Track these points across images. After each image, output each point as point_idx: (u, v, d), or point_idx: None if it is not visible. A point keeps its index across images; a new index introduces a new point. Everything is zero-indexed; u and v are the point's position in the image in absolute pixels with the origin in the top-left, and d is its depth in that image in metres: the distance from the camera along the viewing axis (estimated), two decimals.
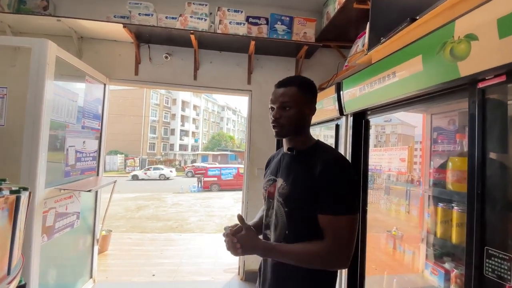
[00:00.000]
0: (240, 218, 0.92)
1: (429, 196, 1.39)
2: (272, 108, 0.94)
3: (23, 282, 0.81)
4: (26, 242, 1.64)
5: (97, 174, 2.60)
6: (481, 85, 0.80)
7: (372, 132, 1.93)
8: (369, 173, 1.63)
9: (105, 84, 2.67)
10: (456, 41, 0.81)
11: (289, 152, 0.97)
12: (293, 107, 0.90)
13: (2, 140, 1.72)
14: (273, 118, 0.93)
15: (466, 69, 0.79)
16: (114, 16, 2.55)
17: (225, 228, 0.93)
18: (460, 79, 0.82)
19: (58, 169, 1.99)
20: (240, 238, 0.86)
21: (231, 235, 0.88)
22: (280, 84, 0.94)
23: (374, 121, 1.74)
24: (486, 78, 0.78)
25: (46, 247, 1.85)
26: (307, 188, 0.86)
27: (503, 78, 0.75)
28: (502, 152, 0.77)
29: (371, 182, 1.67)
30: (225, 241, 0.89)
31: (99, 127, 2.61)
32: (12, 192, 0.68)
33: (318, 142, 0.97)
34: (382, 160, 1.64)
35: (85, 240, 2.49)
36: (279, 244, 0.88)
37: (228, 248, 0.88)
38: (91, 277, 2.59)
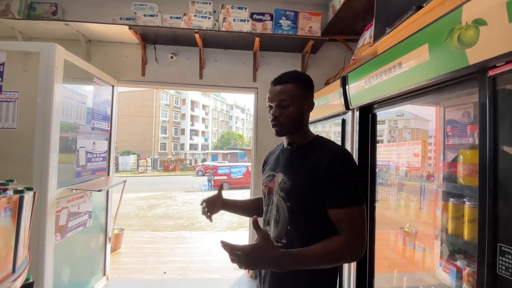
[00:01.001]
0: (255, 223, 0.77)
1: (442, 191, 1.34)
2: (270, 107, 0.93)
3: (31, 280, 0.82)
4: (40, 241, 1.70)
5: (108, 174, 2.66)
6: (491, 73, 0.75)
7: (385, 127, 1.88)
8: (383, 169, 1.59)
9: (113, 86, 2.72)
10: (464, 27, 0.76)
11: (289, 147, 0.97)
12: (291, 104, 0.89)
13: (15, 143, 1.78)
14: (272, 117, 0.91)
15: (475, 56, 0.75)
16: (120, 18, 2.59)
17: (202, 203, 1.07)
18: (469, 67, 0.78)
19: (69, 170, 2.05)
20: (256, 248, 0.73)
21: (231, 249, 0.74)
22: (276, 82, 0.92)
23: (387, 115, 1.69)
24: (497, 65, 0.74)
25: (60, 245, 1.90)
26: (311, 182, 0.85)
27: None
28: None
29: (385, 178, 1.62)
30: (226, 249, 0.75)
31: (109, 128, 2.67)
32: (16, 192, 0.69)
33: (318, 137, 0.97)
34: (394, 155, 1.59)
35: (97, 238, 2.56)
36: (296, 252, 0.77)
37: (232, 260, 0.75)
38: (104, 274, 2.66)
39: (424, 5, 1.05)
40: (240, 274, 3.00)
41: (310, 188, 0.85)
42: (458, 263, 1.06)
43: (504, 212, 0.73)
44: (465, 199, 1.04)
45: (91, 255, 2.47)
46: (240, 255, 0.73)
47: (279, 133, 0.93)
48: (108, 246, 2.72)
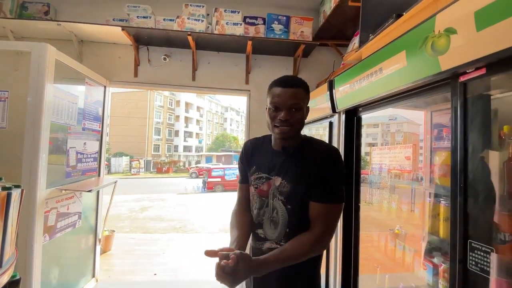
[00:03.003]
0: (221, 256, 0.81)
1: (429, 193, 1.39)
2: (276, 108, 0.91)
3: (18, 277, 0.83)
4: (28, 241, 1.68)
5: (98, 175, 2.65)
6: (462, 78, 0.80)
7: (378, 130, 1.93)
8: (376, 172, 1.62)
9: (105, 86, 2.72)
10: (437, 35, 0.81)
11: (282, 151, 0.97)
12: (301, 109, 0.92)
13: (4, 142, 1.76)
14: (281, 119, 0.89)
15: (446, 63, 0.80)
16: (113, 20, 2.60)
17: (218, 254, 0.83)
18: (441, 73, 0.83)
19: (59, 170, 2.04)
20: (236, 271, 0.77)
21: (222, 267, 0.77)
22: (287, 84, 0.91)
23: (380, 119, 1.73)
24: (467, 71, 0.79)
25: (48, 246, 1.89)
26: (308, 184, 0.89)
27: (483, 71, 0.75)
28: (483, 146, 0.78)
29: (378, 181, 1.65)
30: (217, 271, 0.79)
31: (100, 129, 2.66)
32: (4, 189, 0.71)
33: (307, 137, 1.00)
34: (386, 158, 1.62)
35: (87, 239, 2.54)
36: (269, 257, 0.84)
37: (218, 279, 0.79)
38: (93, 276, 2.63)
39: (403, 13, 1.10)
40: None
41: (308, 191, 0.89)
42: (435, 260, 1.10)
43: (474, 210, 0.78)
44: (441, 199, 1.09)
45: (80, 256, 2.45)
46: (227, 279, 0.77)
47: (287, 135, 0.92)
48: (98, 248, 2.70)
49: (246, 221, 1.02)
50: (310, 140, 0.99)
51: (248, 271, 0.80)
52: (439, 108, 1.49)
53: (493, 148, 0.80)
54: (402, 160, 1.51)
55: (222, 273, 0.77)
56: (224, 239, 4.44)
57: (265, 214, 0.96)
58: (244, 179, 1.10)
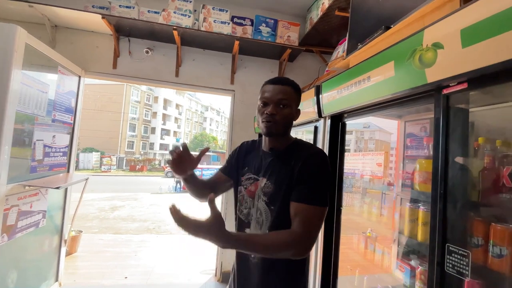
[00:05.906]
0: (211, 200, 0.73)
1: (401, 198, 1.46)
2: (265, 103, 0.93)
3: None
4: None
5: (68, 171, 2.47)
6: (445, 91, 0.85)
7: (352, 137, 2.00)
8: (349, 176, 1.68)
9: (80, 77, 2.55)
10: (424, 49, 0.85)
11: (270, 152, 0.98)
12: (288, 106, 0.92)
13: None
14: (267, 114, 0.90)
15: (432, 75, 0.84)
16: (93, 6, 2.45)
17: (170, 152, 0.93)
18: (427, 85, 0.87)
19: (23, 164, 1.87)
20: (205, 227, 0.72)
21: (180, 219, 0.71)
22: (276, 81, 0.94)
23: (354, 126, 1.80)
24: (450, 85, 0.83)
25: (6, 247, 1.72)
26: (290, 186, 0.88)
27: (465, 86, 0.80)
28: (463, 155, 0.83)
29: (351, 185, 1.72)
30: (172, 211, 0.72)
31: (72, 121, 2.49)
32: None
33: (297, 140, 1.00)
34: (360, 164, 1.70)
35: (51, 240, 2.35)
36: (243, 235, 0.86)
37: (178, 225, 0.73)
38: (56, 280, 2.44)
39: (391, 26, 1.15)
40: (207, 278, 2.94)
41: (291, 192, 0.87)
42: (412, 262, 1.16)
43: (452, 215, 0.82)
44: (419, 204, 1.14)
45: (43, 258, 2.26)
46: (188, 228, 0.72)
47: (271, 131, 0.92)
48: (63, 249, 2.51)
49: (206, 187, 1.07)
50: (300, 143, 0.99)
51: (217, 233, 0.72)
52: (412, 119, 1.58)
53: (470, 158, 0.85)
54: (374, 166, 1.59)
55: (190, 219, 0.72)
56: (198, 240, 4.34)
57: (253, 215, 0.96)
58: (226, 170, 1.11)
